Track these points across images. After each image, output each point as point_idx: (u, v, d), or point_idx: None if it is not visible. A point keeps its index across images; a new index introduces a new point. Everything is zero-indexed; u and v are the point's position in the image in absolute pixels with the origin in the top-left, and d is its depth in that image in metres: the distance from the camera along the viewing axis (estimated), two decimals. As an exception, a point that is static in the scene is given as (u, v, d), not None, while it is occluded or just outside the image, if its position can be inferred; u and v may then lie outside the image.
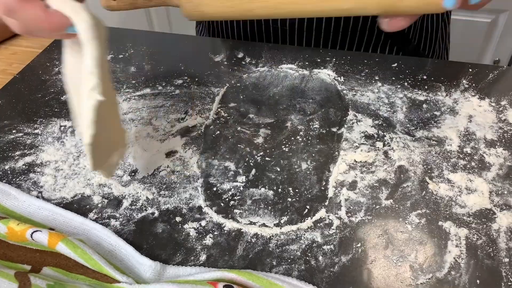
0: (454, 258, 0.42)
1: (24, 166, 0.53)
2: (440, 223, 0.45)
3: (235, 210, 0.48)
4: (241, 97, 0.62)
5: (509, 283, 0.40)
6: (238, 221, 0.46)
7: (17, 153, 0.55)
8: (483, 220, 0.45)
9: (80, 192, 0.50)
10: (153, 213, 0.48)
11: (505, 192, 0.48)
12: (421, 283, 0.41)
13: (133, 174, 0.52)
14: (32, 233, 0.41)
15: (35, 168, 0.53)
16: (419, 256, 0.43)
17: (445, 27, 0.81)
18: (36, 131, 0.58)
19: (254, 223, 0.46)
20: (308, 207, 0.47)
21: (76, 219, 0.46)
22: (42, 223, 0.46)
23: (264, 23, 0.73)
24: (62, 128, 0.58)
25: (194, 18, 0.52)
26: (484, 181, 0.49)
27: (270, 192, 0.49)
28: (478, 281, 0.41)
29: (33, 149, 0.55)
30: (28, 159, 0.54)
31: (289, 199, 0.48)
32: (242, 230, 0.45)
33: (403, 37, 0.73)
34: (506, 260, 0.42)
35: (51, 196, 0.50)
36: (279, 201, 0.48)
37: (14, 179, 0.52)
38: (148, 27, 1.76)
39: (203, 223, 0.46)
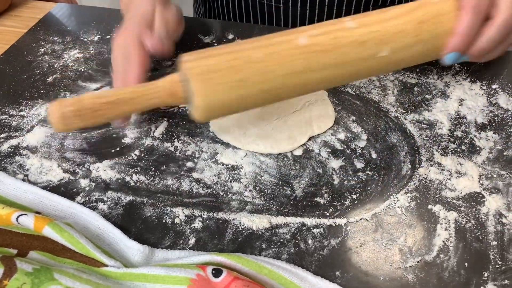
0: (443, 241, 0.42)
1: (9, 149, 0.52)
2: (429, 206, 0.45)
3: (225, 194, 0.47)
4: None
5: (497, 266, 0.40)
6: (227, 205, 0.46)
7: (2, 135, 0.54)
8: (472, 203, 0.45)
9: (67, 175, 0.49)
10: (141, 197, 0.47)
11: (495, 176, 0.48)
12: (410, 266, 0.41)
13: (120, 157, 0.51)
14: (18, 217, 0.41)
15: (21, 151, 0.52)
16: (408, 239, 0.43)
17: None
18: (21, 113, 0.57)
19: (243, 209, 0.46)
20: (296, 190, 0.47)
21: (63, 203, 0.46)
22: (29, 206, 0.46)
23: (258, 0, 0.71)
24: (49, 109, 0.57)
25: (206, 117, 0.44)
26: (474, 164, 0.49)
27: (262, 177, 0.49)
28: (466, 264, 0.41)
29: (19, 132, 0.54)
30: (13, 141, 0.53)
31: (278, 182, 0.48)
32: (231, 215, 0.45)
33: None
34: (494, 243, 0.42)
35: (37, 179, 0.49)
36: (270, 186, 0.48)
37: (-1, 162, 0.51)
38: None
39: (192, 206, 0.46)
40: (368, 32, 0.43)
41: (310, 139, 0.52)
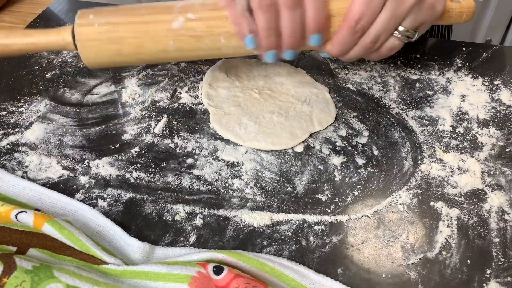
0: (445, 238, 0.42)
1: (8, 146, 0.52)
2: (431, 203, 0.45)
3: (226, 191, 0.47)
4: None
5: (500, 263, 0.40)
6: (228, 202, 0.46)
7: (1, 132, 0.53)
8: (474, 200, 0.45)
9: (66, 172, 0.49)
10: (141, 194, 0.47)
11: (497, 172, 0.48)
12: (412, 263, 0.41)
13: (120, 153, 0.51)
14: (17, 214, 0.40)
15: (20, 147, 0.52)
16: (410, 236, 0.43)
17: None
18: (20, 109, 0.56)
19: (245, 206, 0.46)
20: (298, 187, 0.47)
21: (63, 200, 0.45)
22: (28, 203, 0.45)
23: None
24: (48, 106, 0.56)
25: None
26: (476, 161, 0.49)
27: (263, 174, 0.48)
28: (468, 261, 0.41)
29: (18, 128, 0.54)
30: (12, 138, 0.53)
31: (279, 179, 0.48)
32: (232, 212, 0.45)
33: None
34: (497, 240, 0.42)
35: (36, 176, 0.49)
36: (271, 183, 0.48)
37: (-2, 159, 0.50)
38: (136, 0, 1.72)
39: (193, 203, 0.46)
40: None
41: (311, 135, 0.52)
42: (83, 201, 0.46)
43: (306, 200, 0.46)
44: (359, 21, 0.45)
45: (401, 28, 0.47)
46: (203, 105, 0.56)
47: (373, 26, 0.46)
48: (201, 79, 0.60)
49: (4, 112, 0.56)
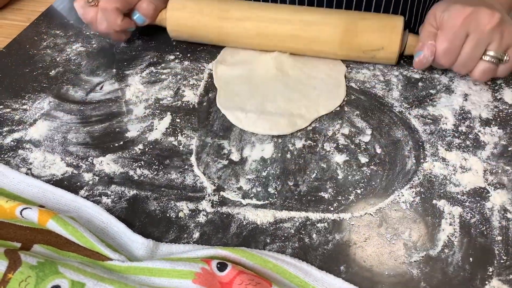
0: (447, 236, 0.42)
1: (12, 143, 0.52)
2: (434, 201, 0.45)
3: (229, 189, 0.47)
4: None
5: (502, 261, 0.40)
6: (231, 200, 0.46)
7: (5, 129, 0.54)
8: (477, 198, 0.45)
9: (70, 169, 0.49)
10: (145, 191, 0.47)
11: (499, 171, 0.48)
12: (414, 261, 0.41)
13: (124, 151, 0.51)
14: (22, 210, 0.41)
15: (24, 144, 0.52)
16: (413, 234, 0.43)
17: None
18: (24, 106, 0.56)
19: (248, 203, 0.46)
20: (301, 185, 0.47)
21: (67, 197, 0.46)
22: (32, 200, 0.46)
23: None
24: (51, 103, 0.57)
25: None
26: (478, 160, 0.49)
27: (266, 171, 0.49)
28: (471, 259, 0.41)
29: (22, 125, 0.54)
30: (16, 135, 0.53)
31: (282, 177, 0.48)
32: (235, 209, 0.45)
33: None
34: (499, 238, 0.42)
35: (40, 173, 0.49)
36: (274, 181, 0.48)
37: (2, 156, 0.51)
38: None
39: (196, 200, 0.46)
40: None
41: (314, 132, 0.52)
42: (87, 198, 0.46)
43: (309, 198, 0.46)
44: (445, 56, 0.52)
45: (490, 53, 0.50)
46: (206, 103, 0.56)
47: (459, 57, 0.51)
48: (204, 77, 0.60)
49: (8, 110, 0.56)
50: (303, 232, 0.43)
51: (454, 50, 0.51)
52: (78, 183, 0.48)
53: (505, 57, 0.51)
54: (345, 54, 0.59)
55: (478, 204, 0.45)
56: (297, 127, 0.52)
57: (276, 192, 0.47)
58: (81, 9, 0.60)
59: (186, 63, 0.62)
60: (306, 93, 0.56)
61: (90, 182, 0.48)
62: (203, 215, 0.45)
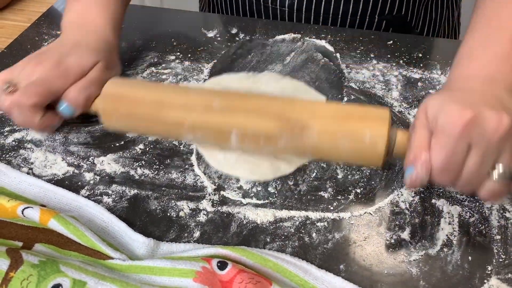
0: (446, 235, 0.43)
1: (13, 142, 0.52)
2: (433, 201, 0.45)
3: (229, 188, 0.47)
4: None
5: (500, 260, 0.41)
6: (231, 199, 0.46)
7: (7, 129, 0.54)
8: (476, 198, 0.46)
9: (71, 169, 0.49)
10: (146, 190, 0.47)
11: (498, 171, 0.48)
12: (413, 260, 0.41)
13: (124, 150, 0.51)
14: (23, 209, 0.41)
15: (25, 144, 0.52)
16: (412, 233, 0.43)
17: (453, 11, 0.78)
18: (25, 106, 0.57)
19: (248, 202, 0.46)
20: (300, 184, 0.47)
21: (68, 196, 0.46)
22: (34, 199, 0.46)
23: (263, 3, 0.71)
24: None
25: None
26: (477, 159, 0.49)
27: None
28: (470, 257, 0.41)
29: (23, 125, 0.54)
30: (17, 135, 0.53)
31: (282, 176, 0.48)
32: (235, 208, 0.45)
33: (404, 25, 0.71)
34: (498, 237, 0.42)
35: (42, 172, 0.49)
36: (274, 180, 0.48)
37: (3, 155, 0.51)
38: (138, 1, 1.73)
39: (197, 200, 0.46)
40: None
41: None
42: (88, 197, 0.46)
43: (309, 197, 0.46)
44: (443, 174, 0.39)
45: (498, 167, 0.38)
46: (207, 103, 0.57)
47: (462, 175, 0.39)
48: (204, 78, 0.60)
49: (10, 109, 0.56)
50: (303, 231, 0.43)
51: (454, 167, 0.38)
52: (79, 183, 0.48)
53: None
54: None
55: (477, 204, 0.45)
56: (280, 173, 0.48)
57: (276, 192, 0.47)
58: None
59: (186, 63, 0.62)
60: None
61: (91, 182, 0.48)
62: (204, 214, 0.45)
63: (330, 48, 0.64)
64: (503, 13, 0.46)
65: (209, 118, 0.46)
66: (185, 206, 0.46)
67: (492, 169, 0.38)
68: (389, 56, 0.62)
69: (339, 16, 0.69)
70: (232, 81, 0.58)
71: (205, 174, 0.48)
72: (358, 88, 0.58)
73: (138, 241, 0.42)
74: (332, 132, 0.43)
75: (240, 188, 0.47)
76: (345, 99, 0.56)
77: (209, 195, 0.47)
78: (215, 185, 0.47)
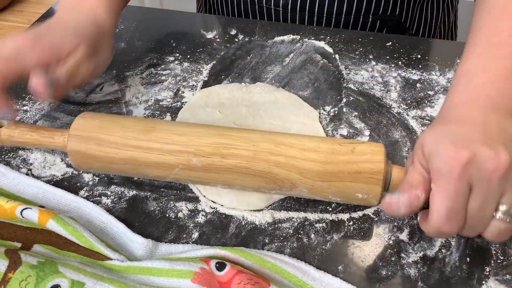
0: (445, 236, 0.43)
1: (12, 143, 0.52)
2: (431, 202, 0.45)
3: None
4: (236, 74, 0.61)
5: (499, 261, 0.41)
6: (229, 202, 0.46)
7: (6, 130, 0.54)
8: (474, 199, 0.46)
9: (70, 170, 0.49)
10: (144, 191, 0.47)
11: (497, 172, 0.48)
12: (412, 261, 0.41)
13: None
14: (22, 210, 0.41)
15: (24, 145, 0.52)
16: (410, 234, 0.43)
17: (448, 14, 0.78)
18: (24, 107, 0.57)
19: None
20: (300, 185, 0.47)
21: (67, 197, 0.46)
22: (32, 200, 0.46)
23: (258, 2, 0.71)
24: (52, 104, 0.57)
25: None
26: (476, 160, 0.49)
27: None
28: (468, 259, 0.41)
29: (22, 126, 0.54)
30: (16, 136, 0.53)
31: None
32: (234, 210, 0.45)
33: (399, 26, 0.71)
34: (496, 238, 0.42)
35: (40, 173, 0.49)
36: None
37: (2, 156, 0.51)
38: (138, 2, 1.73)
39: (195, 201, 0.46)
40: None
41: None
42: (87, 198, 0.46)
43: (307, 198, 0.46)
44: (448, 223, 0.36)
45: (502, 208, 0.36)
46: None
47: (467, 218, 0.36)
48: (203, 79, 0.60)
49: (9, 110, 0.56)
50: (301, 232, 0.43)
51: (458, 211, 0.36)
52: (78, 184, 0.48)
53: None
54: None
55: (476, 205, 0.45)
56: (272, 200, 0.46)
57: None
58: None
59: (185, 64, 0.63)
60: None
61: (90, 183, 0.48)
62: (202, 215, 0.45)
63: (329, 49, 0.64)
64: (504, 27, 0.43)
65: (192, 174, 0.43)
66: (183, 207, 0.46)
67: (496, 209, 0.36)
68: (388, 57, 0.62)
69: (334, 16, 0.69)
70: (224, 92, 0.58)
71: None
72: (357, 89, 0.58)
73: (136, 242, 0.42)
74: (323, 192, 0.42)
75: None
76: (344, 100, 0.57)
77: (209, 195, 0.47)
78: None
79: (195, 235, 0.43)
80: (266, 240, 0.43)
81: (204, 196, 0.47)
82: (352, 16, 0.69)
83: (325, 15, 0.69)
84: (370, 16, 0.69)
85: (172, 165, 0.43)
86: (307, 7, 0.69)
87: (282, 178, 0.42)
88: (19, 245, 0.41)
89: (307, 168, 0.41)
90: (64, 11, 0.53)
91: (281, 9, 0.70)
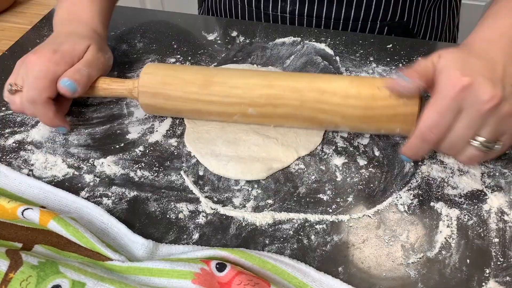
0: (445, 238, 0.43)
1: (14, 144, 0.53)
2: (432, 203, 0.46)
3: (227, 190, 0.47)
4: (235, 76, 0.61)
5: (499, 263, 0.41)
6: (231, 202, 0.46)
7: (7, 130, 0.54)
8: (474, 201, 0.46)
9: (71, 171, 0.50)
10: (145, 192, 0.47)
11: (497, 174, 0.48)
12: (412, 262, 0.41)
13: (124, 152, 0.51)
14: (23, 211, 0.41)
15: (26, 146, 0.52)
16: (411, 236, 0.43)
17: (453, 19, 0.78)
18: (26, 108, 0.57)
19: (247, 204, 0.46)
20: (300, 187, 0.47)
21: (68, 198, 0.46)
22: (33, 201, 0.46)
23: (263, 9, 0.72)
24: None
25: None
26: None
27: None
28: (468, 260, 0.41)
29: (23, 127, 0.55)
30: (18, 137, 0.53)
31: (281, 179, 0.48)
32: (234, 211, 0.46)
33: (407, 32, 0.72)
34: (496, 240, 0.42)
35: (42, 174, 0.49)
36: (273, 182, 0.48)
37: (4, 157, 0.51)
38: (139, 4, 1.73)
39: (196, 202, 0.46)
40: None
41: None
42: (88, 199, 0.47)
43: (308, 199, 0.46)
44: (432, 131, 0.42)
45: (479, 139, 0.42)
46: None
47: (448, 135, 0.42)
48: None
49: (11, 111, 0.57)
50: (301, 233, 0.43)
51: (442, 126, 0.42)
52: (79, 184, 0.48)
53: (496, 146, 0.42)
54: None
55: (476, 207, 0.45)
56: (272, 171, 0.49)
57: (275, 194, 0.47)
58: (7, 99, 0.52)
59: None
60: (282, 132, 0.52)
61: (91, 184, 0.48)
62: (203, 216, 0.45)
63: (330, 52, 0.64)
64: None
65: (249, 119, 0.51)
66: (184, 208, 0.46)
67: (474, 136, 0.42)
68: (388, 59, 0.62)
69: (341, 21, 0.69)
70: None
71: (204, 176, 0.49)
72: (357, 91, 0.58)
73: (137, 243, 0.42)
74: (362, 130, 0.51)
75: (239, 190, 0.47)
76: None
77: (209, 197, 0.47)
78: (214, 187, 0.48)
79: (196, 236, 0.43)
80: (267, 241, 0.43)
81: (211, 171, 0.49)
82: (360, 22, 0.69)
83: (332, 21, 0.70)
84: (378, 23, 0.69)
85: (231, 113, 0.50)
86: (314, 13, 0.69)
87: (327, 122, 0.49)
88: (20, 245, 0.41)
89: (349, 113, 0.48)
90: (63, 26, 0.58)
91: (288, 15, 0.71)
